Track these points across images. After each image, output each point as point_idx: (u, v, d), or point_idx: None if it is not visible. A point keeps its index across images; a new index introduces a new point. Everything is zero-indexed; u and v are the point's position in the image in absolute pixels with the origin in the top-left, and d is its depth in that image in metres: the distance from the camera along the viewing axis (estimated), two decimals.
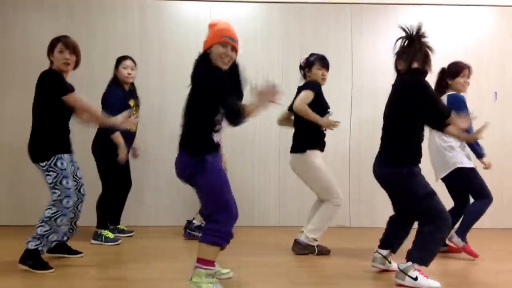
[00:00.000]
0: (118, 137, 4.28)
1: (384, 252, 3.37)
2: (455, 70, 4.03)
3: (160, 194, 5.39)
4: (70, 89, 3.34)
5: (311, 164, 3.97)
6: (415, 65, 3.13)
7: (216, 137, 2.77)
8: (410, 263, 3.05)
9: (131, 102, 4.51)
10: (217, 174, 2.72)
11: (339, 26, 5.60)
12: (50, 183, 3.28)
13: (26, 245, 3.27)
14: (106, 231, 4.34)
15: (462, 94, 3.99)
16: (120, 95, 4.41)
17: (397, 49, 3.23)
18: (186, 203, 5.21)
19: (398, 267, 3.10)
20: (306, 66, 4.12)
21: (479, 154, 4.03)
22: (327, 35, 5.59)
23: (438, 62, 5.42)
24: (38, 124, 3.37)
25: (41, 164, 3.30)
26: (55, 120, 3.37)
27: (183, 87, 5.33)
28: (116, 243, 4.29)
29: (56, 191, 3.28)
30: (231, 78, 2.82)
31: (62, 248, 3.64)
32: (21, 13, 5.43)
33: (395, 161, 3.13)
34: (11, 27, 5.42)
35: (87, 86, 4.88)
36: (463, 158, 3.93)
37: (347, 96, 5.56)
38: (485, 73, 5.52)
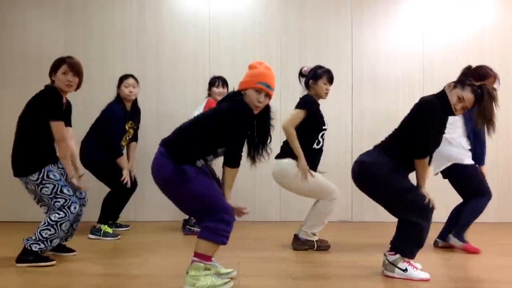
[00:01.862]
0: (122, 161, 4.46)
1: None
2: (482, 74, 3.88)
3: (156, 189, 5.34)
4: (60, 116, 3.36)
5: (297, 173, 3.85)
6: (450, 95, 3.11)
7: (199, 163, 2.77)
8: (398, 255, 3.04)
9: (127, 125, 4.56)
10: (201, 179, 2.70)
11: (339, 19, 5.54)
12: (49, 194, 3.28)
13: (28, 247, 3.24)
14: (105, 226, 4.35)
15: None
16: (119, 115, 4.46)
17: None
18: None
19: (387, 259, 3.08)
20: (312, 77, 4.04)
21: (480, 161, 3.95)
22: (327, 28, 5.54)
23: (439, 51, 5.51)
24: (26, 137, 3.37)
25: (32, 178, 3.29)
26: (44, 134, 3.36)
27: (180, 81, 5.43)
28: (115, 238, 4.29)
29: (59, 199, 3.28)
30: (260, 120, 2.85)
31: (56, 247, 3.58)
32: (19, 9, 5.39)
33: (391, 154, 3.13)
34: (10, 23, 5.39)
35: (85, 82, 4.85)
36: (464, 156, 3.87)
37: (347, 90, 5.51)
38: (487, 61, 5.42)
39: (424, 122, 3.04)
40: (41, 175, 3.28)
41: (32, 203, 5.04)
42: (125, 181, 4.43)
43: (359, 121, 5.52)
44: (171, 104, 5.38)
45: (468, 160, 3.89)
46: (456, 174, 3.90)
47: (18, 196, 5.24)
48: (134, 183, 4.64)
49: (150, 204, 5.36)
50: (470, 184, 3.90)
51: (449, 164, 3.87)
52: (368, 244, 4.12)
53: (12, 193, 5.26)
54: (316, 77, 4.02)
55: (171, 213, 5.29)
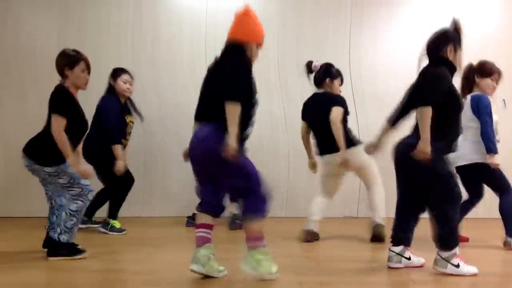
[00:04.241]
0: (117, 149, 4.30)
1: (397, 249, 3.13)
2: (487, 70, 3.91)
3: (162, 185, 5.37)
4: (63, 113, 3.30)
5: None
6: (447, 54, 3.02)
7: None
8: (453, 251, 2.95)
9: (128, 117, 4.52)
10: (247, 158, 2.81)
11: (338, 19, 5.52)
12: (66, 183, 3.30)
13: (57, 239, 3.25)
14: (114, 220, 4.36)
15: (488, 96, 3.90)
16: (117, 110, 4.40)
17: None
18: (190, 195, 5.18)
19: (440, 255, 2.98)
20: (329, 75, 4.12)
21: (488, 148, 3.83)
22: (325, 30, 5.52)
23: None
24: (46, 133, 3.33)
25: (48, 169, 3.27)
26: (69, 132, 3.33)
27: (176, 78, 5.38)
28: (121, 233, 4.31)
29: (75, 188, 3.31)
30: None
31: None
32: (13, 2, 5.31)
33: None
34: (3, 16, 5.30)
35: None
36: (485, 154, 3.81)
37: (345, 91, 5.44)
38: None
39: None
40: (59, 168, 3.28)
41: (31, 199, 5.11)
42: (118, 172, 4.31)
43: (362, 111, 5.46)
44: (169, 102, 5.36)
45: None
46: (477, 173, 3.86)
47: (15, 192, 5.25)
48: (130, 180, 4.57)
49: (156, 199, 5.36)
50: (492, 182, 3.89)
51: (471, 162, 3.82)
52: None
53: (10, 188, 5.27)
54: (333, 76, 4.12)
55: (176, 209, 5.30)
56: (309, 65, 4.15)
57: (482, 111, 3.80)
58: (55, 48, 5.27)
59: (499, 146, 3.85)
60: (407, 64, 5.37)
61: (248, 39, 2.78)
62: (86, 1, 5.36)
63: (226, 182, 2.78)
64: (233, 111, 2.58)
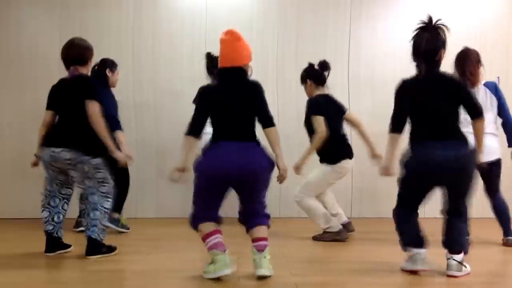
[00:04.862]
0: (122, 136, 4.22)
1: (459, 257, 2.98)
2: (480, 60, 3.90)
3: (161, 186, 5.38)
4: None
5: None
6: (440, 58, 3.03)
7: None
8: (462, 254, 2.96)
9: None
10: None
11: (337, 13, 5.52)
12: (100, 178, 3.39)
13: (96, 238, 3.35)
14: (122, 218, 4.43)
15: None
16: (115, 102, 4.40)
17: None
18: (187, 196, 5.20)
19: (455, 259, 2.91)
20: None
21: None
22: (325, 25, 5.50)
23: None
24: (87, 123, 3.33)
25: (95, 160, 3.34)
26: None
27: (176, 76, 5.40)
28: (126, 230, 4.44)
29: (106, 185, 3.44)
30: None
31: (58, 245, 3.54)
32: (14, 6, 5.35)
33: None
34: (5, 20, 5.34)
35: None
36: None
37: (344, 87, 5.48)
38: (489, 56, 5.39)
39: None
40: (101, 161, 3.39)
41: (25, 201, 5.12)
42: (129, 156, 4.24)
43: (353, 106, 5.49)
44: (167, 102, 5.37)
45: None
46: (495, 168, 3.80)
47: (9, 193, 5.26)
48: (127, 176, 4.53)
49: (151, 201, 5.38)
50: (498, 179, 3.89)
51: (495, 158, 3.76)
52: (368, 240, 4.13)
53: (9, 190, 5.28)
54: None
55: (171, 210, 5.31)
56: (326, 64, 4.16)
57: (503, 100, 3.82)
58: (57, 49, 5.30)
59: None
60: (406, 49, 5.46)
61: (246, 62, 2.95)
62: (86, 3, 5.37)
63: (256, 196, 2.99)
64: (276, 134, 2.90)
